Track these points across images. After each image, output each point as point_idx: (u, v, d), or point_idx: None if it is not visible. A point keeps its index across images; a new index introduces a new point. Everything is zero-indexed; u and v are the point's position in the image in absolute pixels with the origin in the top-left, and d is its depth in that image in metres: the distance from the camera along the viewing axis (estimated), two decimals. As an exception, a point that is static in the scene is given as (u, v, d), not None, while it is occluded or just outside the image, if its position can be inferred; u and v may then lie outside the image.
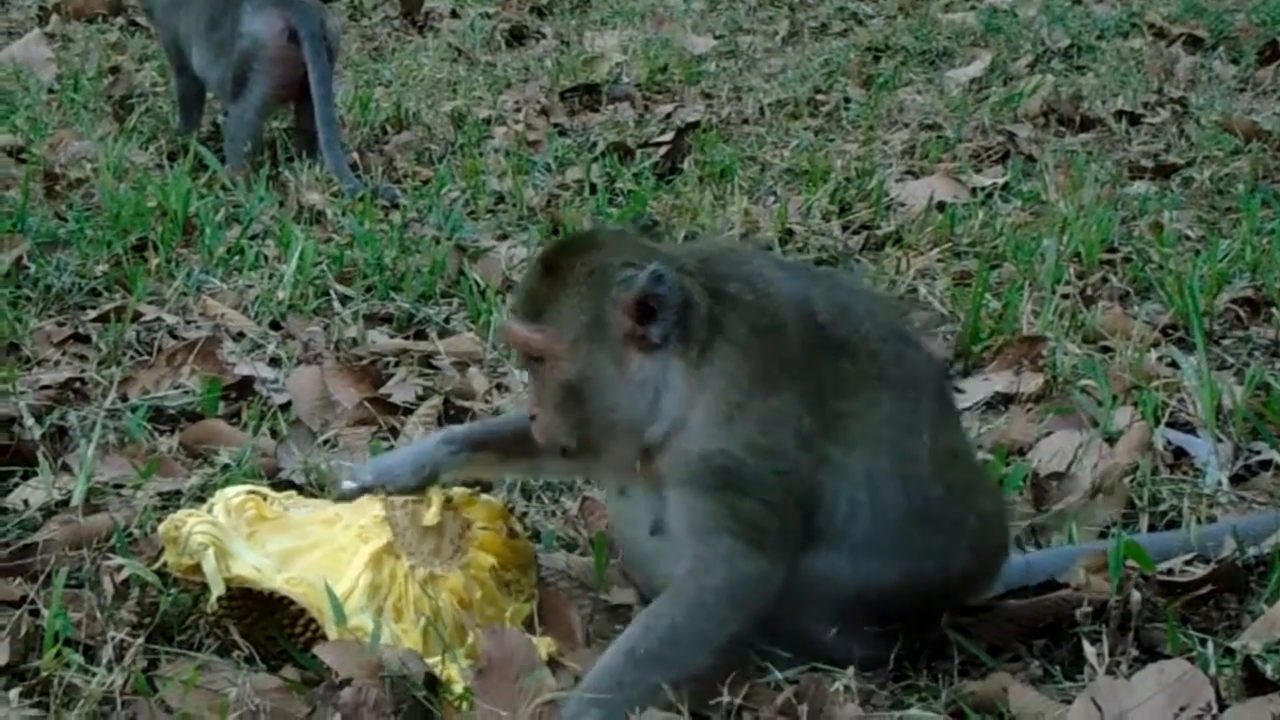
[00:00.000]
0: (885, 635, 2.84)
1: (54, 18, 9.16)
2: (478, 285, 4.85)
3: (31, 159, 6.15)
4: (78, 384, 4.10)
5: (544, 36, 9.28)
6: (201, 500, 3.21)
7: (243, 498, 2.97)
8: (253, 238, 5.31)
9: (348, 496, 3.04)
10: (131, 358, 4.31)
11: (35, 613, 2.91)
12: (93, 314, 4.62)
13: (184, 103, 6.71)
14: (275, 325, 4.65)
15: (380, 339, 4.56)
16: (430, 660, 2.73)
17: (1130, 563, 2.99)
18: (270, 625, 2.88)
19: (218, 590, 2.81)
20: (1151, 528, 3.42)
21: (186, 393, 4.06)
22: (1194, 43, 8.51)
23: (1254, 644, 2.85)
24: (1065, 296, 4.74)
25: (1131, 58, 8.28)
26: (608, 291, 2.71)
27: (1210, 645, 2.85)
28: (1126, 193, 5.98)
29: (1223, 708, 2.61)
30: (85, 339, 4.44)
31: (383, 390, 4.08)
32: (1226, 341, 4.56)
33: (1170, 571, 3.10)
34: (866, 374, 2.80)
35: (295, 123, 6.49)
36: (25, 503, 3.45)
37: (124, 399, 4.02)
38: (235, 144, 6.28)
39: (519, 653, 2.71)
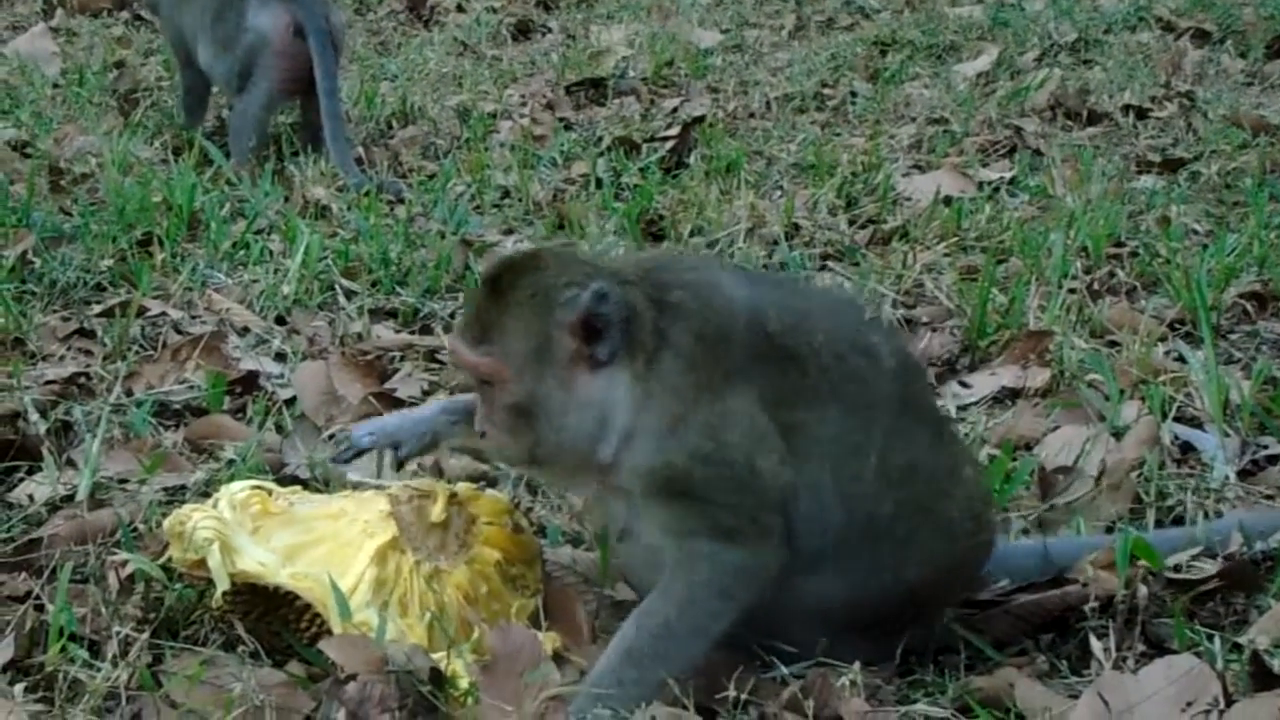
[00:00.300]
0: (887, 633, 2.83)
1: (59, 12, 9.15)
2: (483, 280, 4.84)
3: (36, 154, 6.15)
4: (83, 379, 4.11)
5: (549, 30, 9.28)
6: (206, 495, 3.20)
7: (248, 493, 2.97)
8: (258, 232, 5.31)
9: (345, 460, 3.04)
10: (136, 353, 4.30)
11: (40, 608, 2.92)
12: (98, 309, 4.62)
13: (189, 97, 6.70)
14: (280, 320, 4.65)
15: (385, 334, 4.56)
16: (435, 655, 2.72)
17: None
18: (275, 620, 2.89)
19: (223, 585, 2.81)
20: (1158, 523, 3.41)
21: (191, 388, 4.06)
22: (1202, 36, 8.48)
23: (1261, 639, 2.83)
24: (1072, 291, 4.73)
25: (1139, 52, 8.25)
26: (552, 314, 2.69)
27: (1217, 640, 2.84)
28: (1134, 187, 5.96)
29: (1230, 703, 2.60)
30: (90, 334, 4.44)
31: (388, 385, 4.08)
32: (1234, 336, 4.55)
33: (1178, 567, 3.09)
34: (817, 389, 2.77)
35: (300, 117, 6.49)
36: (30, 498, 3.45)
37: (129, 394, 4.01)
38: (240, 139, 6.26)
39: (524, 648, 2.72)
